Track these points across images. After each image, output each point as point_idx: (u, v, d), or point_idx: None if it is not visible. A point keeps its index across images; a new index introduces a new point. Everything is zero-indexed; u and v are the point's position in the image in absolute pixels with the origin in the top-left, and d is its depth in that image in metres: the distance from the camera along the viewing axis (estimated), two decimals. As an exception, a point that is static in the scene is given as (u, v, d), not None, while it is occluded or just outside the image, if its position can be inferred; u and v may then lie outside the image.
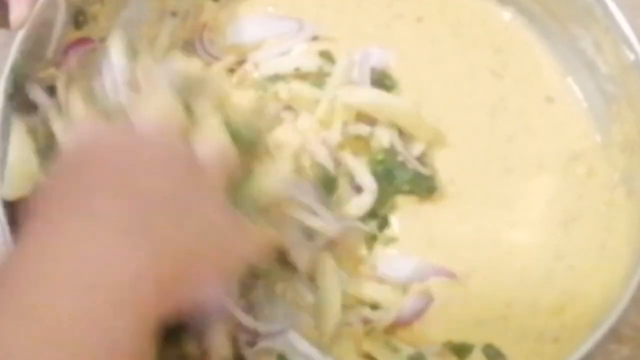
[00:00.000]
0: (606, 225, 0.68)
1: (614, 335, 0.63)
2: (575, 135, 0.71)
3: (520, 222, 0.67)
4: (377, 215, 0.67)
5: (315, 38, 0.74)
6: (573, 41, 0.71)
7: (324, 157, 0.67)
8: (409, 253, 0.66)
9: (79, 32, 0.71)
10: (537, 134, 0.70)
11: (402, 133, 0.69)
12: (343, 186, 0.67)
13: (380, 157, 0.68)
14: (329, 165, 0.67)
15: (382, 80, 0.71)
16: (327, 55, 0.72)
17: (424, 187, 0.68)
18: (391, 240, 0.67)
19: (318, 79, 0.71)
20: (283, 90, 0.69)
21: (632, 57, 0.66)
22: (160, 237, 0.50)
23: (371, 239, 0.67)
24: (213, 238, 0.54)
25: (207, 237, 0.53)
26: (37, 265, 0.47)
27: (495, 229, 0.67)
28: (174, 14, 0.74)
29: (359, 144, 0.69)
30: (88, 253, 0.48)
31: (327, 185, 0.66)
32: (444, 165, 0.69)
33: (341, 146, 0.68)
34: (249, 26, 0.73)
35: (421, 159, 0.69)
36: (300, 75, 0.70)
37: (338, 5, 0.76)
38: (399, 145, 0.68)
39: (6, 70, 0.65)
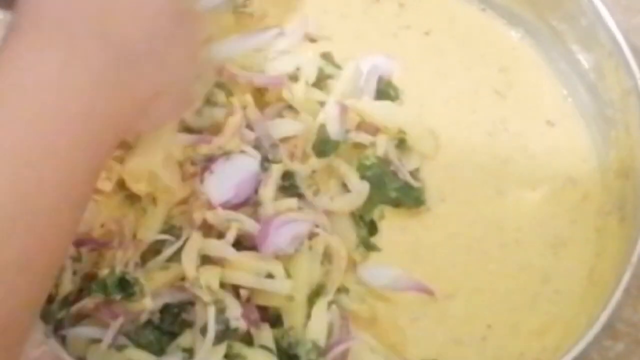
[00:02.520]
0: (596, 251, 0.69)
1: (609, 331, 0.64)
2: (573, 160, 0.72)
3: (510, 245, 0.68)
4: (365, 219, 0.68)
5: (313, 40, 0.76)
6: (576, 64, 0.73)
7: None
8: (392, 266, 0.67)
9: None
10: (534, 157, 0.72)
11: (399, 146, 0.70)
12: (333, 183, 0.69)
13: (369, 162, 0.69)
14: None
15: (386, 90, 0.73)
16: (328, 57, 0.74)
17: (412, 197, 0.69)
18: (374, 249, 0.67)
19: (319, 80, 0.72)
20: (285, 90, 0.70)
21: (631, 82, 0.68)
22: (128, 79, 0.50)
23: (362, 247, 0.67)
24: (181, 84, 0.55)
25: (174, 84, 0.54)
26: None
27: (483, 250, 0.68)
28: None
29: (351, 152, 0.70)
30: (51, 82, 0.47)
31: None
32: (436, 183, 0.70)
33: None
34: (223, 47, 0.74)
35: (413, 173, 0.70)
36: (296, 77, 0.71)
37: (342, 12, 0.78)
38: (393, 155, 0.70)
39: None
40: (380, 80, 0.72)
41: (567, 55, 0.73)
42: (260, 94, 0.71)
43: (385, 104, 0.71)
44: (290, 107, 0.71)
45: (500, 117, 0.73)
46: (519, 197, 0.70)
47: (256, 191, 0.65)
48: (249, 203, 0.65)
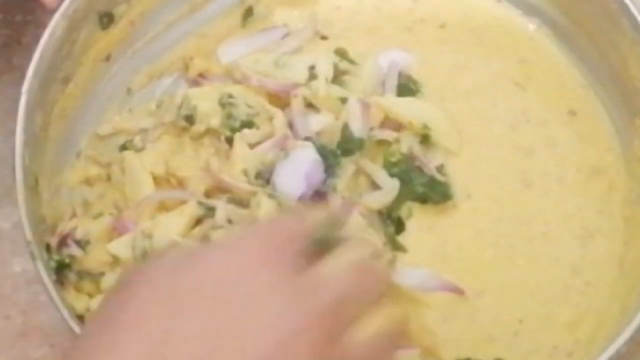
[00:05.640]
0: (625, 240, 0.70)
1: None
2: (598, 149, 0.73)
3: (538, 239, 0.69)
4: (392, 217, 0.68)
5: (324, 37, 0.76)
6: (598, 54, 0.74)
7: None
8: (420, 266, 0.67)
9: (105, 32, 0.72)
10: (558, 148, 0.72)
11: (423, 142, 0.71)
12: (363, 180, 0.70)
13: (395, 159, 0.70)
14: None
15: (407, 85, 0.74)
16: (342, 53, 0.75)
17: (439, 192, 0.70)
18: (401, 249, 0.68)
19: (335, 77, 0.72)
20: (305, 88, 0.71)
21: (657, 71, 0.68)
22: None
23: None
24: None
25: None
26: None
27: (512, 245, 0.69)
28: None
29: (376, 149, 0.71)
30: None
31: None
32: (461, 179, 0.70)
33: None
34: (229, 49, 0.75)
35: (438, 169, 0.71)
36: (314, 75, 0.72)
37: (354, 8, 0.78)
38: (418, 151, 0.70)
39: (31, 69, 0.66)
40: (400, 74, 0.73)
41: (587, 44, 0.74)
42: (277, 96, 0.72)
43: (409, 100, 0.72)
44: (310, 106, 0.71)
45: (522, 108, 0.73)
46: (544, 189, 0.71)
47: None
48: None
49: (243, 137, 0.68)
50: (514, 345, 0.65)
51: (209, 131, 0.70)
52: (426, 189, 0.69)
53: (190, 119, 0.70)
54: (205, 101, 0.70)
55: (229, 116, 0.69)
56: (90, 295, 0.66)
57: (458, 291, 0.66)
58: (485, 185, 0.70)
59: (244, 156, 0.67)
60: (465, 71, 0.75)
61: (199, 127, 0.70)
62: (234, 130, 0.69)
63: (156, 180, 0.68)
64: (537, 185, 0.70)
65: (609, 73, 0.72)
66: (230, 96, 0.70)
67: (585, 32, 0.73)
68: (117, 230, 0.66)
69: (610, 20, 0.70)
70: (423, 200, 0.69)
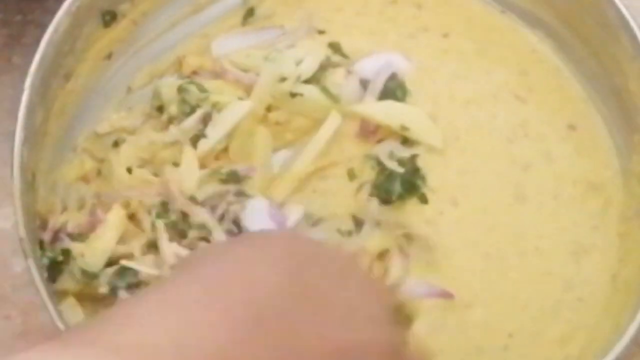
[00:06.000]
0: (619, 257, 0.69)
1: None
2: (595, 165, 0.72)
3: (530, 252, 0.69)
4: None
5: (321, 32, 0.76)
6: (600, 69, 0.73)
7: None
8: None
9: (107, 30, 0.72)
10: (555, 162, 0.72)
11: (405, 143, 0.71)
12: None
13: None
14: None
15: (394, 90, 0.73)
16: (335, 47, 0.75)
17: (400, 184, 0.69)
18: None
19: (322, 69, 0.72)
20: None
21: (657, 88, 0.68)
22: None
23: None
24: None
25: None
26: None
27: (503, 258, 0.68)
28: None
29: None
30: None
31: None
32: (449, 187, 0.70)
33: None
34: (223, 43, 0.75)
35: (409, 162, 0.70)
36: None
37: (357, 10, 0.78)
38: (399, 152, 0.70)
39: (34, 65, 0.66)
40: (393, 77, 0.73)
41: (588, 59, 0.74)
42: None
43: (387, 103, 0.72)
44: None
45: (521, 121, 0.73)
46: (539, 203, 0.70)
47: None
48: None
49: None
50: (504, 359, 0.65)
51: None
52: (386, 183, 0.68)
53: (161, 109, 0.72)
54: (169, 89, 0.71)
55: (183, 101, 0.70)
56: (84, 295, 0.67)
57: (447, 296, 0.65)
58: (474, 195, 0.70)
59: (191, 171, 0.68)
60: (466, 81, 0.75)
61: (165, 116, 0.71)
62: (187, 114, 0.70)
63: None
64: (531, 199, 0.70)
65: (610, 88, 0.72)
66: (190, 82, 0.71)
67: (587, 46, 0.73)
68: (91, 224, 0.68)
69: (611, 35, 0.70)
70: (386, 198, 0.68)
